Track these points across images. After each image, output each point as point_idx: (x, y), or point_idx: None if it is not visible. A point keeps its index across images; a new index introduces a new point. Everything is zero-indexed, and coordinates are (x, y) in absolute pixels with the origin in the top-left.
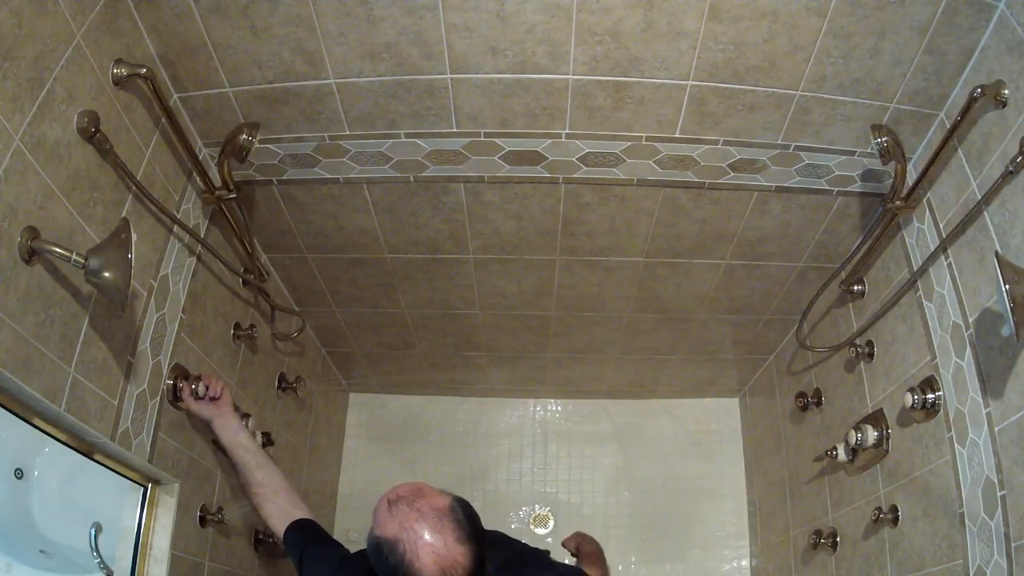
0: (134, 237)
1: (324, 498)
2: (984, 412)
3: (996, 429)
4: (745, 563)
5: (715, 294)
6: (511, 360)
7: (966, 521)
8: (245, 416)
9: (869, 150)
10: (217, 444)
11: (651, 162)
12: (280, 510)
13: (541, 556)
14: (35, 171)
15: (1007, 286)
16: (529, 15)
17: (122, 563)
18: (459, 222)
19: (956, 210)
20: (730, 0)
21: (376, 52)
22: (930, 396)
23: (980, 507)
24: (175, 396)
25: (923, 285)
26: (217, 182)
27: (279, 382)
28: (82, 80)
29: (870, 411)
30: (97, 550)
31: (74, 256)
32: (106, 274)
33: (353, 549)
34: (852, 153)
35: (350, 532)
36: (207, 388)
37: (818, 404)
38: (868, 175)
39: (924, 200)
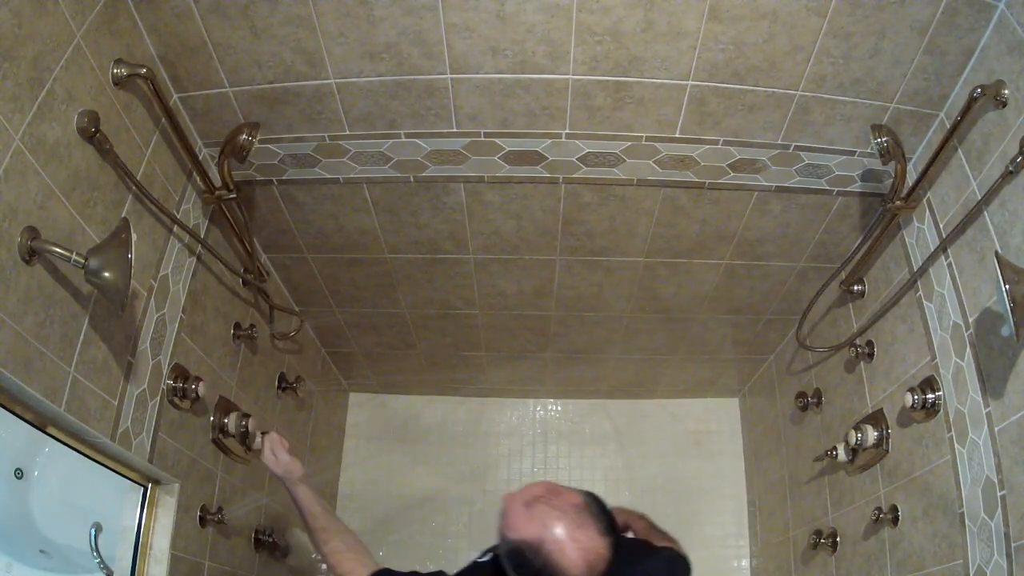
0: (134, 237)
1: (324, 498)
2: (984, 412)
3: (996, 429)
4: (745, 563)
5: (715, 294)
6: (511, 360)
7: (966, 521)
8: (245, 416)
9: (869, 150)
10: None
11: (651, 162)
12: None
13: (644, 547)
14: (35, 171)
15: (1007, 286)
16: (529, 15)
17: (122, 563)
18: (459, 222)
19: (956, 210)
20: (730, 0)
21: (376, 52)
22: (930, 396)
23: (980, 507)
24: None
25: (923, 285)
26: (217, 182)
27: (279, 382)
28: (82, 80)
29: (870, 411)
30: (97, 550)
31: (74, 256)
32: (106, 274)
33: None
34: (852, 153)
35: None
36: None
37: (818, 404)
38: (868, 175)
39: (924, 200)
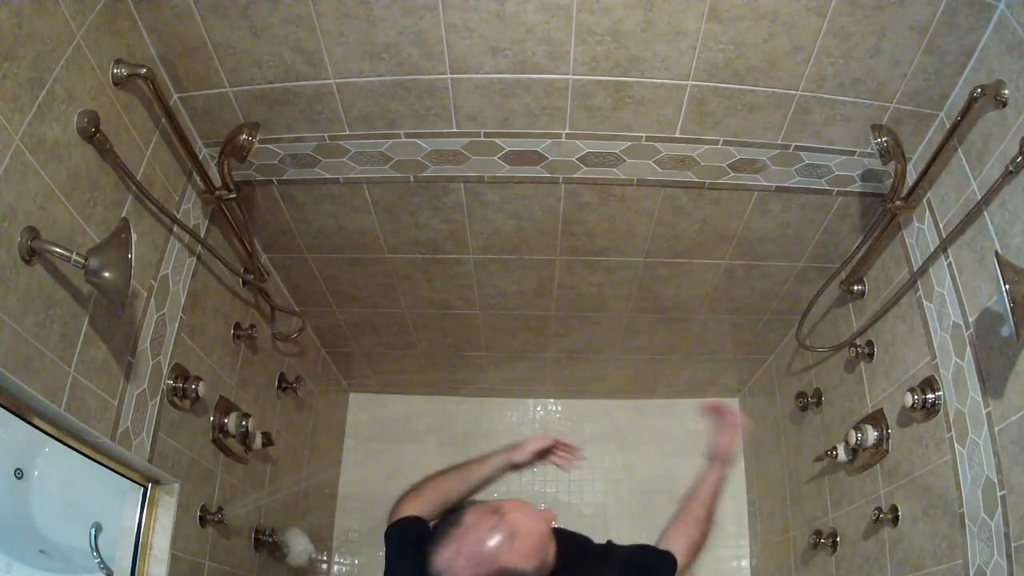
0: (134, 237)
1: (324, 498)
2: (984, 412)
3: (996, 429)
4: (745, 563)
5: (715, 294)
6: (511, 360)
7: (966, 521)
8: (245, 416)
9: (869, 150)
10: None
11: (651, 162)
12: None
13: (604, 549)
14: (35, 171)
15: (1007, 286)
16: (529, 15)
17: (122, 563)
18: (459, 222)
19: (956, 210)
20: (730, 0)
21: (376, 52)
22: (930, 396)
23: (980, 507)
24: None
25: (923, 285)
26: (217, 182)
27: (279, 382)
28: (82, 80)
29: (870, 411)
30: (97, 550)
31: (74, 256)
32: (106, 274)
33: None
34: (852, 153)
35: (350, 532)
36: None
37: (818, 404)
38: (868, 175)
39: (924, 200)
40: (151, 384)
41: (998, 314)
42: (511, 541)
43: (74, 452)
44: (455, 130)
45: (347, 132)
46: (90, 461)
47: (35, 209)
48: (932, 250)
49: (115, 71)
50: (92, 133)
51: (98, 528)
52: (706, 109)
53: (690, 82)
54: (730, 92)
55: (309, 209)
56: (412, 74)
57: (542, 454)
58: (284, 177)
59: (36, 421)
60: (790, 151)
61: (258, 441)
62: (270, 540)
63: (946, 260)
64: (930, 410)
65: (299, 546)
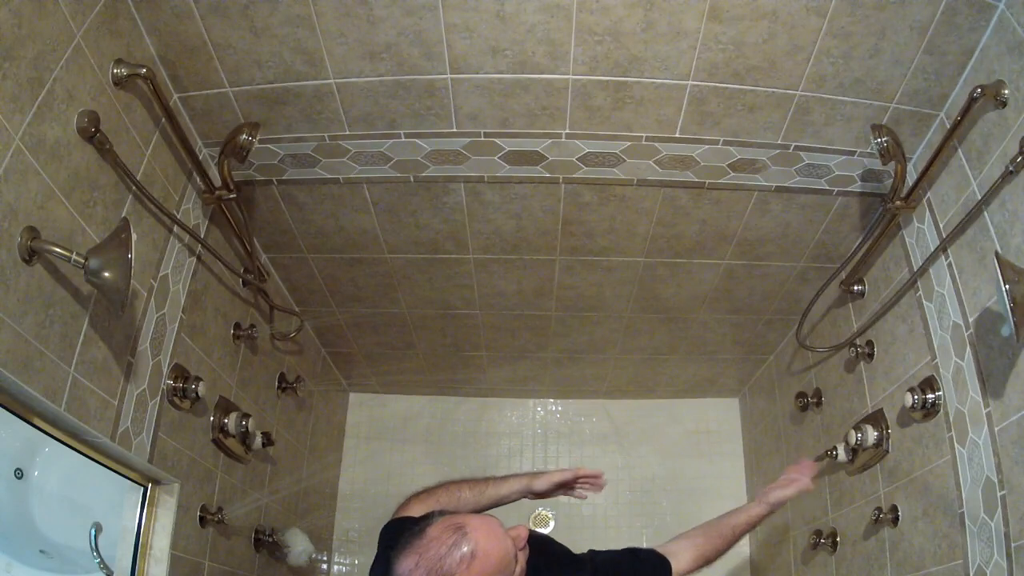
0: (134, 237)
1: (324, 498)
2: (984, 412)
3: (996, 429)
4: (745, 563)
5: (715, 294)
6: (511, 360)
7: (966, 521)
8: (245, 416)
9: (869, 150)
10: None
11: (651, 162)
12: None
13: (579, 559)
14: (35, 171)
15: (1007, 286)
16: (529, 15)
17: (122, 563)
18: (459, 222)
19: (956, 210)
20: (730, 0)
21: (376, 52)
22: (930, 396)
23: (980, 507)
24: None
25: (923, 285)
26: (217, 182)
27: (279, 382)
28: (82, 80)
29: (870, 411)
30: (97, 550)
31: (74, 256)
32: (106, 274)
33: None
34: (852, 153)
35: (350, 532)
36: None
37: (818, 404)
38: (868, 175)
39: (924, 200)
40: (151, 384)
41: (998, 314)
42: (469, 561)
43: (74, 452)
44: (455, 130)
45: (347, 132)
46: (90, 461)
47: (35, 209)
48: (932, 250)
49: (115, 71)
50: (92, 133)
51: (98, 528)
52: (706, 109)
53: (690, 82)
54: (730, 92)
55: (309, 209)
56: (412, 74)
57: (564, 486)
58: (284, 177)
59: (36, 421)
60: (790, 151)
61: (258, 441)
62: (270, 540)
63: (946, 260)
64: (930, 410)
65: (299, 546)
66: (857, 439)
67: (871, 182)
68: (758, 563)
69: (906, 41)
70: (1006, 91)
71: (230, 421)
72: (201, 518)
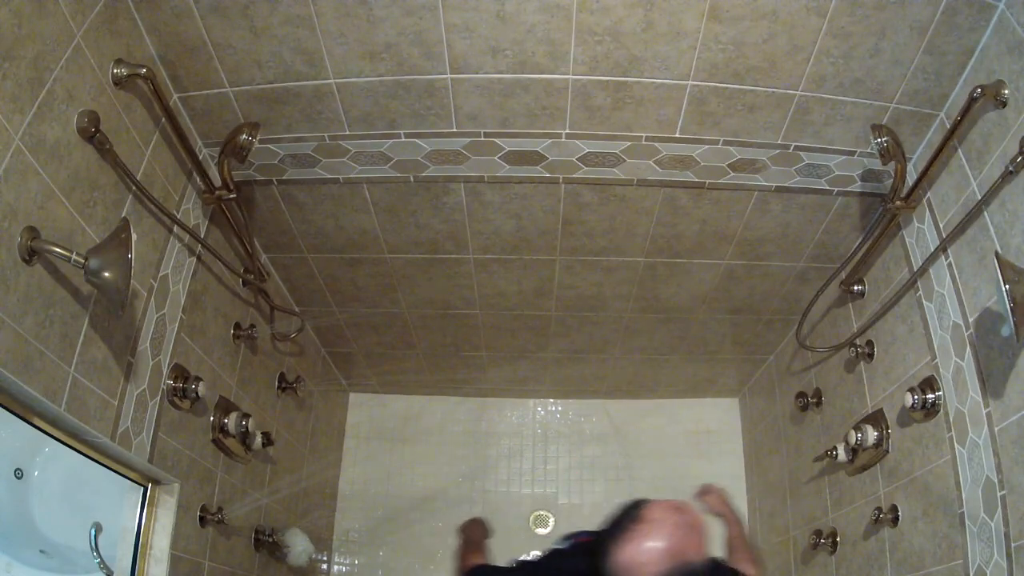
0: (134, 237)
1: (324, 498)
2: (984, 412)
3: (996, 429)
4: None
5: (715, 294)
6: (511, 360)
7: (966, 521)
8: (245, 416)
9: (869, 150)
10: None
11: (651, 162)
12: None
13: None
14: (35, 171)
15: (1007, 286)
16: (529, 15)
17: (122, 563)
18: (459, 222)
19: (956, 210)
20: (730, 0)
21: (376, 52)
22: (930, 396)
23: (980, 507)
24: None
25: (923, 285)
26: (217, 182)
27: (279, 382)
28: (82, 80)
29: (870, 411)
30: (97, 550)
31: (74, 256)
32: (106, 274)
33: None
34: (852, 153)
35: (350, 532)
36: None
37: (818, 404)
38: (868, 175)
39: (924, 200)
40: (151, 384)
41: (998, 314)
42: (696, 536)
43: (74, 452)
44: (455, 130)
45: (347, 132)
46: (90, 461)
47: (35, 209)
48: (932, 250)
49: (115, 71)
50: (92, 133)
51: (98, 528)
52: (706, 109)
53: (690, 82)
54: (730, 92)
55: (309, 209)
56: (412, 74)
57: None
58: (284, 177)
59: (36, 421)
60: (790, 151)
61: (258, 441)
62: (270, 540)
63: (946, 260)
64: (930, 410)
65: (299, 546)
66: (857, 439)
67: (871, 182)
68: None
69: (906, 41)
70: (1006, 91)
71: (230, 421)
72: (201, 518)
